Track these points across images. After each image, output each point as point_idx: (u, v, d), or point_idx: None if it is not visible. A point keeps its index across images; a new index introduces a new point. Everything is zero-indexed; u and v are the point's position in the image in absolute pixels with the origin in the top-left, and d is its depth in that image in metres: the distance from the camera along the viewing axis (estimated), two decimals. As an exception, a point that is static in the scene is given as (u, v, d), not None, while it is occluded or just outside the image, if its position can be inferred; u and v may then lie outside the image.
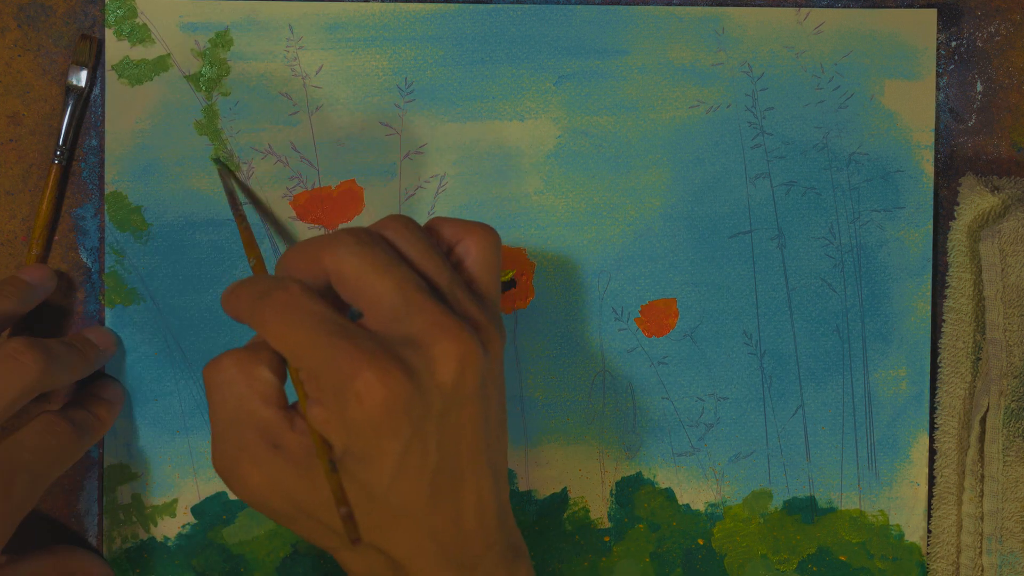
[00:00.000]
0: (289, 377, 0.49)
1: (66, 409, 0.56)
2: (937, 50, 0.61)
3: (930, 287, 0.61)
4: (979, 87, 0.62)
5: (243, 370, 0.48)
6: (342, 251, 0.48)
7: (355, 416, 0.46)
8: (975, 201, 0.60)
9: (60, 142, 0.59)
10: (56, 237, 0.60)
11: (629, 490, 0.61)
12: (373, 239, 0.48)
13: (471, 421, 0.48)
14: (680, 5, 0.61)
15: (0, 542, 0.52)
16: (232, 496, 0.60)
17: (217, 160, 0.59)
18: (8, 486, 0.52)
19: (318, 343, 0.46)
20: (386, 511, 0.47)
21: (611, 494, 0.61)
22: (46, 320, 0.59)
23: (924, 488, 0.62)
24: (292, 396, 0.51)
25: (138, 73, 0.59)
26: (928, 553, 0.62)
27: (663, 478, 0.61)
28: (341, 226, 0.60)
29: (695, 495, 0.61)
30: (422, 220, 0.60)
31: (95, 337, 0.58)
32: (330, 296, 0.49)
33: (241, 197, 0.59)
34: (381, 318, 0.47)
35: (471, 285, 0.50)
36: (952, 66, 0.62)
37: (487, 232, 0.51)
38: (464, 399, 0.47)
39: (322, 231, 0.60)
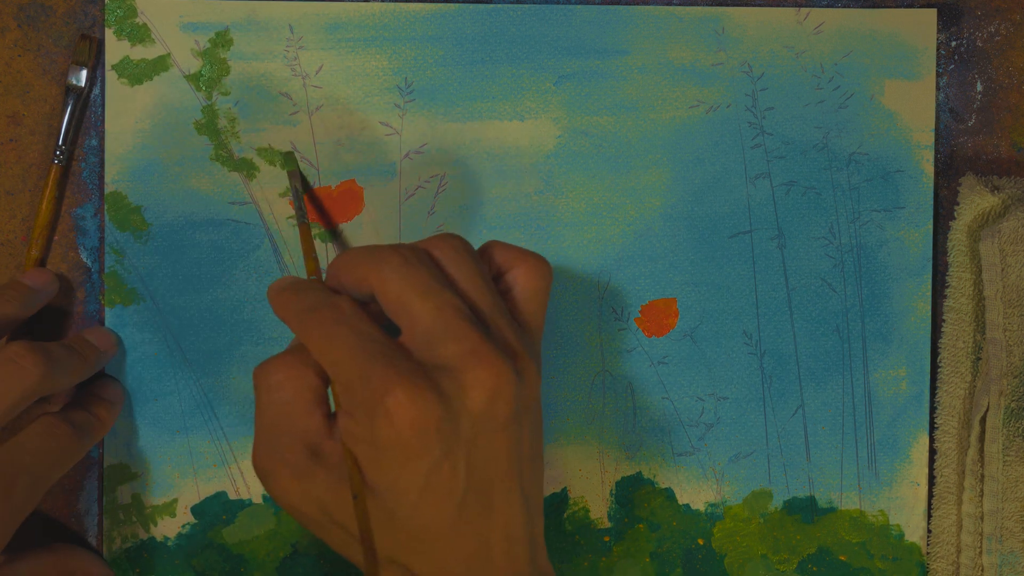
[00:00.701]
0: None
1: (66, 410, 0.56)
2: (937, 50, 0.61)
3: (930, 287, 0.61)
4: (979, 87, 0.62)
5: (291, 375, 0.48)
6: (386, 270, 0.48)
7: (384, 433, 0.46)
8: (975, 201, 0.60)
9: (60, 142, 0.59)
10: (56, 237, 0.60)
11: (629, 490, 0.61)
12: (419, 259, 0.49)
13: (503, 449, 0.48)
14: (680, 5, 0.61)
15: (0, 543, 0.52)
16: (232, 496, 0.60)
17: (289, 161, 0.59)
18: (9, 488, 0.52)
19: (356, 358, 0.46)
20: (410, 532, 0.47)
21: (611, 494, 0.61)
22: (46, 320, 0.59)
23: (924, 488, 0.62)
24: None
25: (138, 73, 0.59)
26: (928, 553, 0.62)
27: (663, 478, 0.61)
28: (341, 226, 0.60)
29: (695, 495, 0.61)
30: (422, 220, 0.60)
31: (95, 339, 0.58)
32: (376, 305, 0.50)
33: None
34: (419, 340, 0.47)
35: (515, 314, 0.50)
36: (952, 66, 0.62)
37: (539, 263, 0.51)
38: (496, 427, 0.47)
39: (320, 228, 0.60)
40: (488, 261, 0.51)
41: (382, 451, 0.46)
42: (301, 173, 0.59)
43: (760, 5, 0.61)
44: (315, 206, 0.60)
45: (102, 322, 0.60)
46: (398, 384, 0.45)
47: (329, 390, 0.50)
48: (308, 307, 0.48)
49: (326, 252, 0.60)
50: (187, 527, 0.60)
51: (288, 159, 0.59)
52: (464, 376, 0.46)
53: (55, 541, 0.60)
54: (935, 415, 0.62)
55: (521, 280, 0.51)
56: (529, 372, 0.48)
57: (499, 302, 0.49)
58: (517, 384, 0.47)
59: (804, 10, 0.61)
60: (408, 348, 0.47)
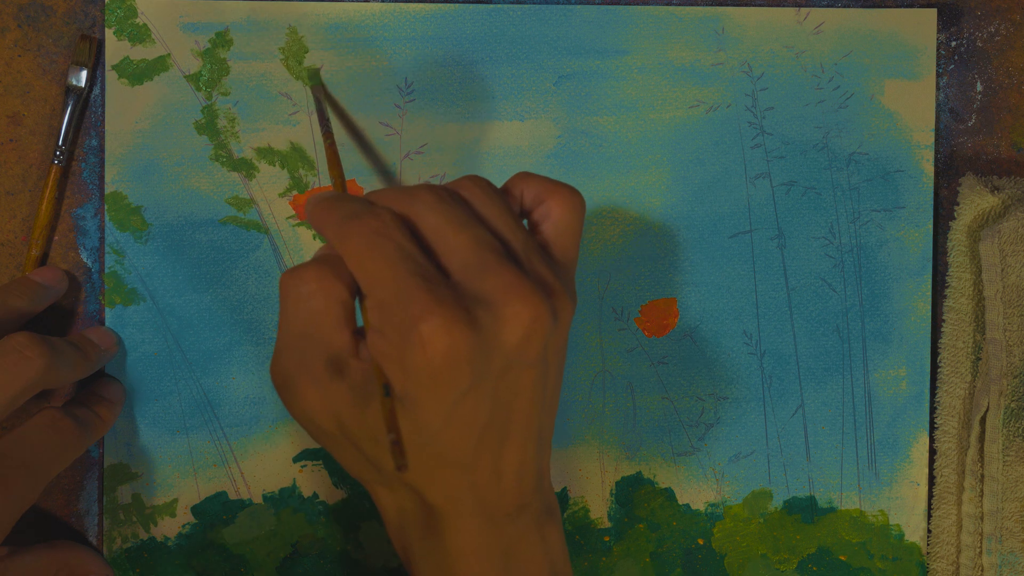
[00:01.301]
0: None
1: (68, 406, 0.57)
2: (937, 50, 0.61)
3: (930, 287, 0.61)
4: (979, 87, 0.62)
5: (323, 286, 0.47)
6: (419, 205, 0.47)
7: (415, 358, 0.45)
8: (975, 201, 0.60)
9: (60, 142, 0.59)
10: (56, 237, 0.60)
11: (629, 490, 0.61)
12: (452, 196, 0.48)
13: (529, 385, 0.48)
14: (680, 5, 0.61)
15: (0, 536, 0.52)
16: (232, 496, 0.60)
17: (314, 77, 0.59)
18: (8, 481, 0.52)
19: (396, 276, 0.46)
20: (430, 455, 0.47)
21: (611, 494, 0.61)
22: (47, 320, 0.59)
23: (924, 488, 0.62)
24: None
25: (138, 73, 0.59)
26: (928, 553, 0.62)
27: (663, 478, 0.61)
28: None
29: (695, 495, 0.61)
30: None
31: (96, 337, 0.58)
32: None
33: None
34: (456, 270, 0.47)
35: (548, 249, 0.50)
36: (952, 66, 0.62)
37: (571, 195, 0.50)
38: (525, 363, 0.47)
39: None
40: (518, 194, 0.51)
41: (409, 375, 0.46)
42: (325, 87, 0.59)
43: (760, 5, 0.61)
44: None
45: (102, 322, 0.60)
46: (435, 311, 0.45)
47: (357, 303, 0.49)
48: (350, 213, 0.47)
49: (326, 252, 0.60)
50: (187, 527, 0.60)
51: (312, 74, 0.59)
52: (502, 310, 0.46)
53: (55, 539, 0.60)
54: (935, 415, 0.62)
55: (554, 213, 0.50)
56: (564, 311, 0.48)
57: (531, 239, 0.49)
58: (552, 322, 0.47)
59: (804, 10, 0.61)
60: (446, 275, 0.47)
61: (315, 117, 0.60)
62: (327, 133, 0.56)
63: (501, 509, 0.49)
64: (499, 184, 0.52)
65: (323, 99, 0.59)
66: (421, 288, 0.45)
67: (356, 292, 0.48)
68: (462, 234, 0.47)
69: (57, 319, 0.60)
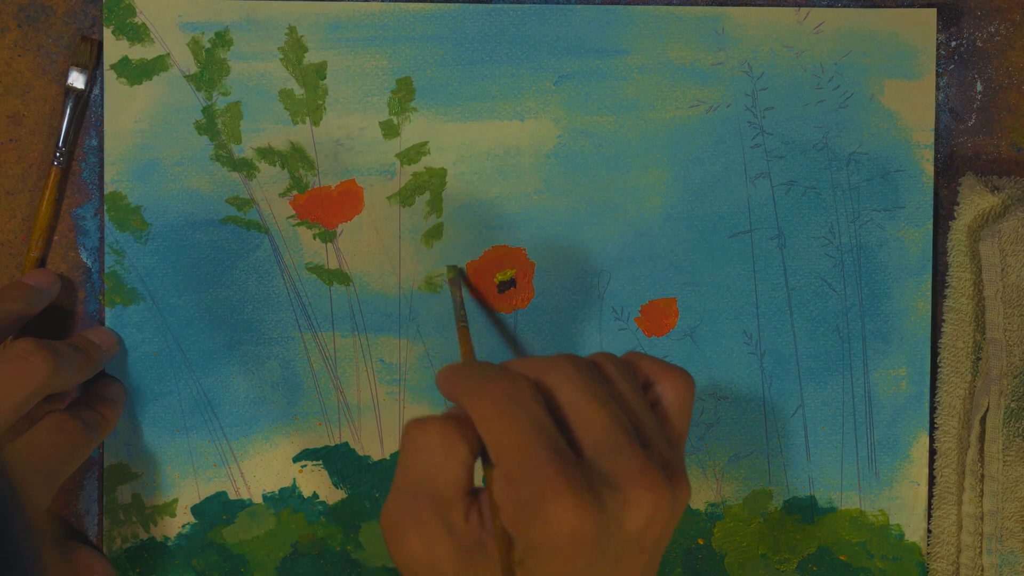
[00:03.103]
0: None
1: (73, 408, 0.57)
2: (937, 50, 0.61)
3: (930, 287, 0.61)
4: (979, 87, 0.62)
5: (446, 442, 0.47)
6: (558, 375, 0.47)
7: (539, 534, 0.45)
8: (975, 201, 0.60)
9: (60, 144, 0.59)
10: (56, 237, 0.60)
11: (629, 490, 0.61)
12: (590, 368, 0.48)
13: (639, 570, 0.47)
14: (680, 5, 0.61)
15: None
16: (233, 496, 0.60)
17: (452, 271, 0.60)
18: (24, 486, 0.52)
19: (528, 449, 0.45)
20: None
21: (611, 494, 0.61)
22: (47, 320, 0.59)
23: (924, 488, 0.62)
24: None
25: (137, 73, 0.59)
26: (928, 553, 0.62)
27: (663, 478, 0.61)
28: (341, 226, 0.60)
29: (695, 495, 0.61)
30: (422, 220, 0.60)
31: (97, 338, 0.58)
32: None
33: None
34: (586, 446, 0.47)
35: (664, 429, 0.50)
36: (952, 66, 0.62)
37: (685, 378, 0.50)
38: (640, 549, 0.47)
39: (320, 228, 0.60)
40: (633, 373, 0.51)
41: (530, 547, 0.45)
42: (463, 275, 0.60)
43: (760, 5, 0.61)
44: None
45: (102, 322, 0.60)
46: (565, 492, 0.44)
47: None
48: (484, 376, 0.47)
49: (326, 252, 0.60)
50: (187, 527, 0.60)
51: (451, 270, 0.60)
52: (628, 495, 0.46)
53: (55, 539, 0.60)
54: (935, 415, 0.62)
55: (669, 394, 0.50)
56: (683, 498, 0.48)
57: (656, 420, 0.49)
58: (672, 509, 0.47)
59: (804, 10, 0.61)
60: (575, 451, 0.47)
61: (315, 117, 0.60)
62: (463, 326, 0.57)
63: None
64: None
65: (460, 292, 0.59)
66: (553, 465, 0.45)
67: (477, 452, 0.48)
68: (600, 411, 0.47)
69: (57, 319, 0.60)
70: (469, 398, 0.47)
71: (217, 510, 0.60)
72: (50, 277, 0.58)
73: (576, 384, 0.47)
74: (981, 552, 0.60)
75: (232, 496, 0.60)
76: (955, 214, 0.61)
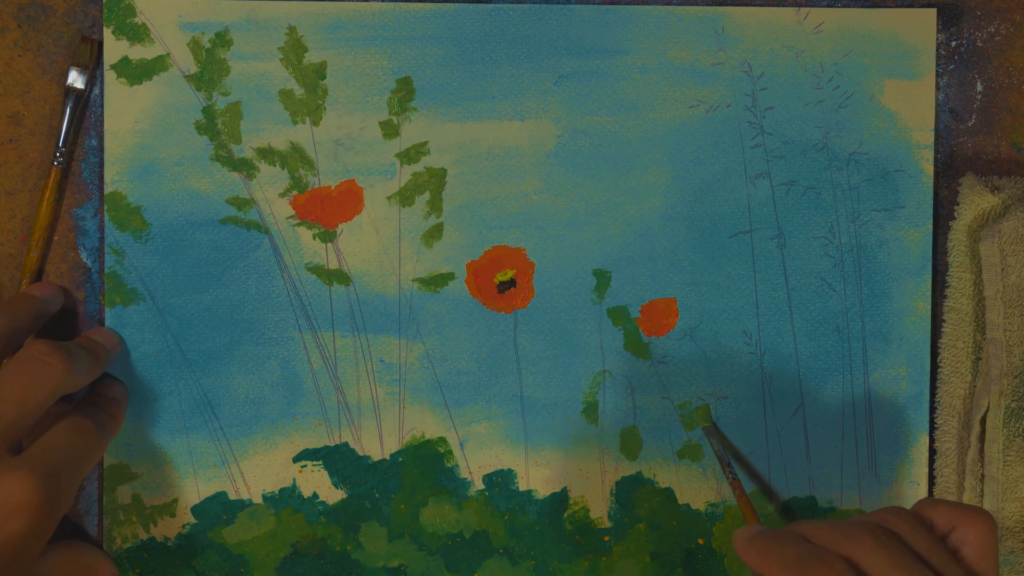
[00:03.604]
0: None
1: (83, 409, 0.57)
2: (937, 50, 0.61)
3: (930, 287, 0.61)
4: (979, 87, 0.62)
5: None
6: (862, 550, 0.48)
7: None
8: (975, 201, 0.60)
9: (60, 144, 0.59)
10: (56, 237, 0.60)
11: (629, 490, 0.61)
12: (891, 537, 0.49)
13: None
14: (680, 5, 0.61)
15: (45, 540, 0.52)
16: (233, 496, 0.60)
17: (705, 418, 0.60)
18: (56, 484, 0.52)
19: None
20: None
21: (611, 494, 0.61)
22: (48, 320, 0.59)
23: (924, 488, 0.62)
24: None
25: (137, 73, 0.59)
26: (928, 553, 0.62)
27: (663, 478, 0.61)
28: (341, 226, 0.60)
29: (695, 495, 0.61)
30: (422, 220, 0.60)
31: (101, 338, 0.58)
32: None
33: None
34: None
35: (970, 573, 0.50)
36: (952, 66, 0.62)
37: (986, 520, 0.50)
38: None
39: (320, 228, 0.60)
40: (928, 521, 0.51)
41: None
42: (717, 427, 0.60)
43: (760, 5, 0.61)
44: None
45: (102, 322, 0.60)
46: None
47: None
48: (797, 558, 0.48)
49: (326, 252, 0.60)
50: (187, 527, 0.60)
51: (704, 416, 0.60)
52: None
53: (66, 538, 0.60)
54: (935, 415, 0.62)
55: (971, 540, 0.50)
56: None
57: (963, 571, 0.49)
58: None
59: (804, 10, 0.61)
60: None
61: (314, 117, 0.60)
62: (734, 479, 0.58)
63: None
64: None
65: (716, 438, 0.60)
66: None
67: None
68: None
69: (58, 319, 0.59)
70: None
71: (217, 510, 0.60)
72: (52, 288, 0.59)
73: (882, 556, 0.48)
74: (981, 552, 0.60)
75: (232, 496, 0.60)
76: (955, 214, 0.61)
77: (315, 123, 0.60)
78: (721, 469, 0.59)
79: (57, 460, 0.53)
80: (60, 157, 0.59)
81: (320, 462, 0.61)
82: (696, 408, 0.61)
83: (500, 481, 0.61)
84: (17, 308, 0.57)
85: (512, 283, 0.61)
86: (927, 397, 0.61)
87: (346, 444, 0.61)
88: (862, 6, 0.61)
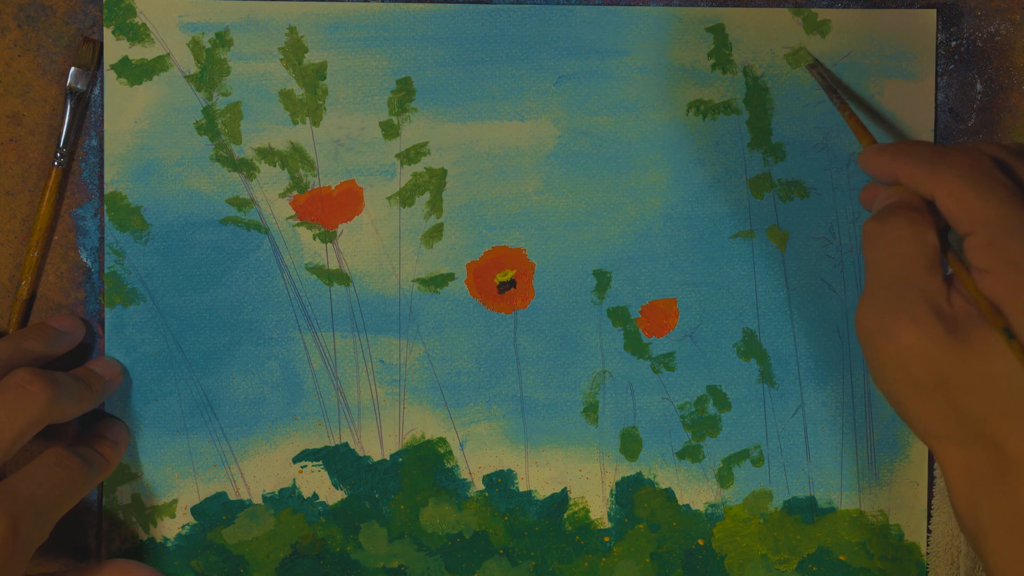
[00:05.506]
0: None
1: (72, 445, 0.56)
2: (937, 50, 0.61)
3: (930, 287, 0.61)
4: (979, 87, 0.62)
5: (915, 231, 0.48)
6: (951, 172, 0.48)
7: None
8: (975, 201, 0.60)
9: (60, 144, 0.59)
10: (56, 237, 0.60)
11: (629, 490, 0.61)
12: (984, 157, 0.49)
13: None
14: (680, 5, 0.61)
15: (14, 574, 0.51)
16: (232, 496, 0.60)
17: (805, 58, 0.60)
18: (15, 521, 0.51)
19: (1009, 213, 0.46)
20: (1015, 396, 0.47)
21: (611, 494, 0.61)
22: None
23: (924, 488, 0.62)
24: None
25: (137, 73, 0.59)
26: (928, 553, 0.62)
27: (663, 478, 0.61)
28: (341, 226, 0.60)
29: (695, 495, 0.61)
30: (422, 220, 0.60)
31: (100, 368, 0.58)
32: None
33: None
34: (992, 237, 0.47)
35: None
36: (952, 66, 0.62)
37: None
38: None
39: (320, 228, 0.60)
40: None
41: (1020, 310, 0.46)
42: (818, 62, 0.60)
43: (760, 5, 0.61)
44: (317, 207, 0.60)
45: (102, 322, 0.60)
46: None
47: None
48: (938, 153, 0.48)
49: (326, 253, 0.60)
50: (187, 528, 0.60)
51: (804, 56, 0.60)
52: None
53: (56, 542, 0.59)
54: (935, 415, 0.62)
55: None
56: None
57: None
58: None
59: (804, 10, 0.61)
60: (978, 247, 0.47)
61: (314, 117, 0.60)
62: (842, 104, 0.58)
63: None
64: None
65: (822, 75, 0.60)
66: None
67: (940, 236, 0.49)
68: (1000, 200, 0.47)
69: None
70: (930, 175, 0.48)
71: (217, 511, 0.60)
72: (75, 322, 0.58)
73: (969, 179, 0.48)
74: (981, 552, 0.60)
75: (232, 496, 0.60)
76: (955, 214, 0.61)
77: (315, 123, 0.60)
78: (829, 98, 0.59)
79: (30, 495, 0.52)
80: (60, 157, 0.59)
81: (320, 462, 0.60)
82: (797, 50, 0.60)
83: (500, 482, 0.61)
84: (31, 335, 0.56)
85: (512, 283, 0.61)
86: (927, 397, 0.61)
87: (346, 444, 0.61)
88: (862, 6, 0.61)
